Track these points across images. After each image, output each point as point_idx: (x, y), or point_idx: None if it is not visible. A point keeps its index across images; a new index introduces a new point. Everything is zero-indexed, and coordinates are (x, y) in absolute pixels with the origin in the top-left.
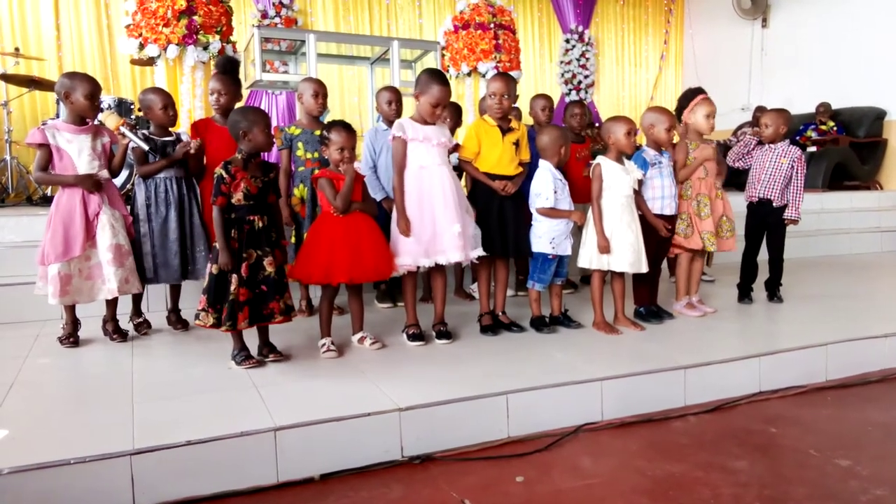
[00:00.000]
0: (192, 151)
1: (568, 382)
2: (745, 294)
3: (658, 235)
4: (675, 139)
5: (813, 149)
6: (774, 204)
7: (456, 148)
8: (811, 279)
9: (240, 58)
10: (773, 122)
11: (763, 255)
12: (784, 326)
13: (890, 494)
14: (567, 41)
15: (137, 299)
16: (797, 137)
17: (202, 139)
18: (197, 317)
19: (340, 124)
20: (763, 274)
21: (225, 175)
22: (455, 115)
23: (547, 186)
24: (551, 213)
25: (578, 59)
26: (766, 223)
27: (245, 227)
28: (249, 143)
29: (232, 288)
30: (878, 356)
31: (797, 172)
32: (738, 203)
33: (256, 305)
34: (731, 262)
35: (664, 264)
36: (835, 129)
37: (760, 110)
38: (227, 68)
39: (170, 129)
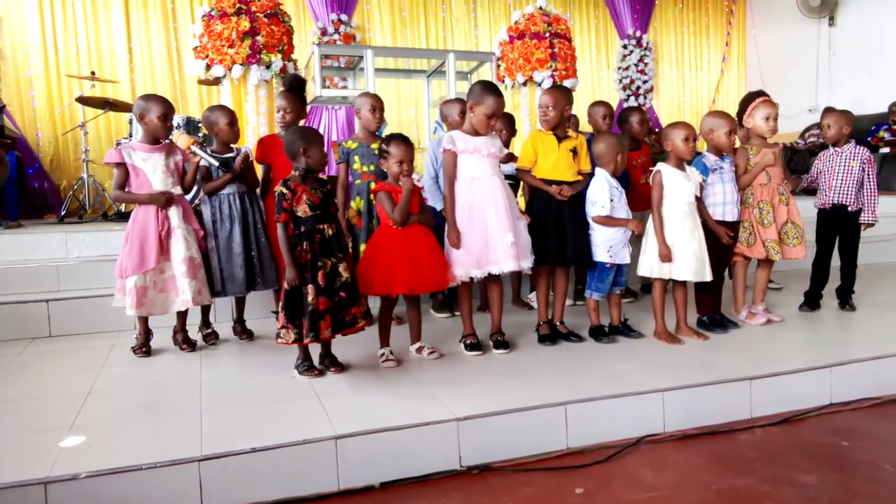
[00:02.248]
0: (240, 161)
1: (628, 393)
2: (813, 301)
3: (721, 242)
4: (738, 143)
5: (886, 150)
6: (850, 209)
7: (510, 158)
8: (885, 286)
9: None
10: (836, 122)
11: (834, 262)
12: (856, 335)
13: None
14: (625, 46)
15: (206, 311)
16: (869, 138)
17: (269, 154)
18: (278, 336)
19: (399, 137)
20: (834, 281)
21: (286, 191)
22: (509, 126)
23: (603, 194)
24: (607, 221)
25: (636, 65)
26: (840, 229)
27: (316, 237)
28: (309, 160)
29: (310, 299)
30: None
31: (868, 174)
32: (806, 208)
33: (336, 313)
34: (799, 269)
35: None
36: None
37: (829, 111)
38: (294, 86)
39: (232, 145)
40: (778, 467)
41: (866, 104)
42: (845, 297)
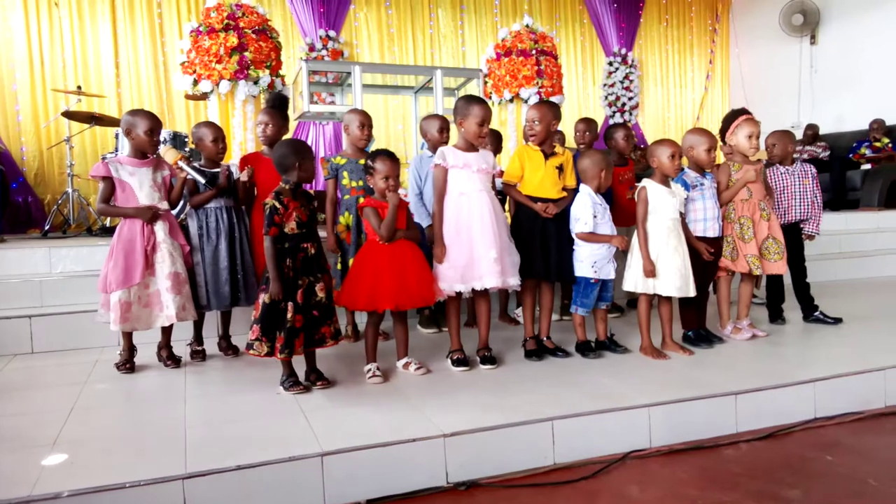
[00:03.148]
0: (243, 179)
1: (615, 409)
2: (775, 314)
3: (703, 258)
4: (719, 160)
5: (867, 166)
6: (801, 225)
7: (500, 174)
8: (868, 300)
9: (289, 91)
10: (780, 141)
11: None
12: (840, 350)
13: None
14: (610, 64)
15: (199, 327)
16: (850, 155)
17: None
18: (250, 346)
19: (385, 153)
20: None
21: (278, 206)
22: (495, 142)
23: (585, 211)
24: (591, 237)
25: (622, 82)
26: (791, 244)
27: (300, 256)
28: (302, 173)
29: (289, 315)
30: None
31: (814, 191)
32: None
33: (309, 331)
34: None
35: (711, 286)
36: (889, 145)
37: (811, 128)
38: (277, 104)
39: (219, 161)
40: (763, 482)
41: (847, 122)
42: (810, 306)
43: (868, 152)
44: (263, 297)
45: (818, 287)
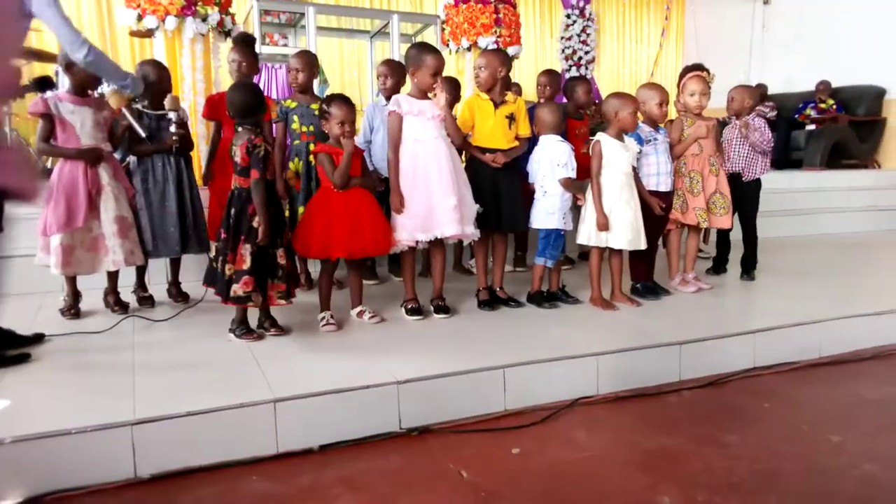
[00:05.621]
0: (175, 137)
1: (564, 357)
2: (718, 267)
3: (654, 212)
4: (672, 115)
5: (812, 127)
6: (744, 178)
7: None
8: (807, 257)
9: (239, 29)
10: (739, 95)
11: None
12: (779, 303)
13: (880, 470)
14: (568, 17)
15: (141, 272)
16: (797, 115)
17: (219, 112)
18: (243, 299)
19: (340, 98)
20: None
21: (268, 150)
22: (453, 90)
23: (571, 157)
24: (571, 184)
25: (579, 35)
26: (736, 197)
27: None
28: (262, 116)
29: (283, 262)
30: (871, 333)
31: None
32: None
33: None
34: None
35: (661, 240)
36: (834, 107)
37: (760, 87)
38: (248, 40)
39: (166, 104)
40: (703, 427)
41: (795, 82)
42: (747, 268)
43: (813, 113)
44: (249, 247)
45: (761, 243)
